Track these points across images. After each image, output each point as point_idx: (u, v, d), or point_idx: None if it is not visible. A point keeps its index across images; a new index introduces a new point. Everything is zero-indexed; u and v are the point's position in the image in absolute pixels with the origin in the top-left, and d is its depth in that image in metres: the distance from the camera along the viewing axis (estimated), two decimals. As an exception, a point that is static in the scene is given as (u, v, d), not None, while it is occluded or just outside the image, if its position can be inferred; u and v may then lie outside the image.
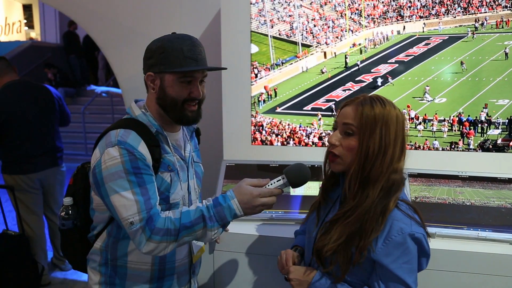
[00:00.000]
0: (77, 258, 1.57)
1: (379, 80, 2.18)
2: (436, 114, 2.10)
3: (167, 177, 1.42)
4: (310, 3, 2.24)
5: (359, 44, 2.21)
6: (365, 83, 2.20)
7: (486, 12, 2.03)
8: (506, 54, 2.00)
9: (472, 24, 2.06)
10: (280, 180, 1.30)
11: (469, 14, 2.06)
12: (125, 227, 1.30)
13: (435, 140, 2.12)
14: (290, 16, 2.27)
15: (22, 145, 3.15)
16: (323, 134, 2.26)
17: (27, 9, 13.46)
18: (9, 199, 3.19)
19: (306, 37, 2.27)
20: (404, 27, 2.16)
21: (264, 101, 2.32)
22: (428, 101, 2.12)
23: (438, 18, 2.12)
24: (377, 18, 2.18)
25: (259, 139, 2.33)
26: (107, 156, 1.31)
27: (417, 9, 2.14)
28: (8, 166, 3.20)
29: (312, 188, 2.04)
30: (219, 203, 1.30)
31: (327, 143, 1.31)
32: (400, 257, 1.17)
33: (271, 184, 1.30)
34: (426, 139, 2.12)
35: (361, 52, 2.22)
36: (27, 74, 8.76)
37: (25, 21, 13.40)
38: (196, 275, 1.62)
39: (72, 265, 1.62)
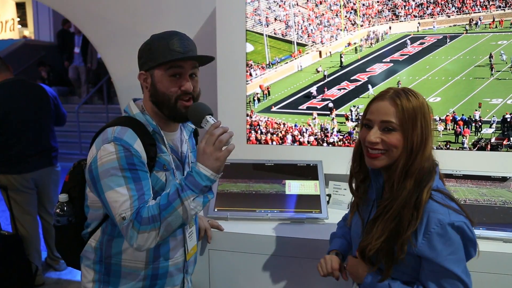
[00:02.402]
0: (72, 255, 1.57)
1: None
2: (431, 113, 2.11)
3: (162, 176, 1.42)
4: (306, 2, 2.24)
5: (354, 43, 2.22)
6: (360, 82, 2.21)
7: (480, 12, 2.05)
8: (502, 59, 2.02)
9: (467, 24, 2.07)
10: (204, 121, 1.33)
11: (463, 14, 2.07)
12: (118, 223, 1.30)
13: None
14: (285, 15, 2.28)
15: (16, 145, 3.13)
16: (318, 133, 2.26)
17: (20, 7, 13.35)
18: (2, 199, 3.17)
19: (302, 36, 2.27)
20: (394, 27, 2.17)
21: (259, 100, 2.32)
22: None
23: (432, 17, 2.13)
24: (372, 18, 2.18)
25: (254, 138, 2.33)
26: (103, 152, 1.32)
27: (412, 8, 2.15)
28: (1, 166, 3.18)
29: (306, 187, 2.04)
30: (189, 173, 1.31)
31: (364, 141, 1.27)
32: (444, 249, 1.14)
33: (206, 126, 1.32)
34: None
35: (356, 51, 2.22)
36: (21, 72, 8.69)
37: (19, 19, 13.29)
38: (190, 275, 1.62)
39: (66, 262, 1.63)
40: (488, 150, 2.06)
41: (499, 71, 2.03)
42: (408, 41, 2.17)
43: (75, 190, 1.52)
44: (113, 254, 1.44)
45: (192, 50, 1.41)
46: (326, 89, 2.25)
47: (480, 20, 2.04)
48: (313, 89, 2.26)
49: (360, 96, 2.21)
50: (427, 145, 1.20)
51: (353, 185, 1.41)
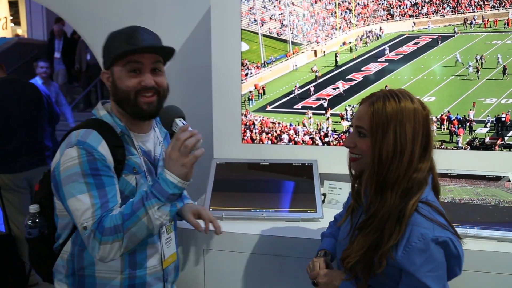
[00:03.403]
0: (46, 269, 1.48)
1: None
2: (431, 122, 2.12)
3: (132, 180, 1.35)
4: (301, 1, 2.24)
5: (350, 43, 2.22)
6: (355, 81, 2.21)
7: (474, 12, 2.05)
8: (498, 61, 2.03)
9: (461, 23, 2.08)
10: (174, 125, 1.27)
11: (458, 14, 2.08)
12: (80, 232, 1.24)
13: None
14: (280, 14, 2.27)
15: (9, 144, 3.10)
16: (314, 132, 2.26)
17: (13, 5, 13.24)
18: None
19: (297, 35, 2.27)
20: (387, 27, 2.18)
21: (254, 99, 2.31)
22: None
23: (427, 17, 2.13)
24: (367, 17, 2.19)
25: (249, 137, 2.32)
26: (66, 157, 1.26)
27: (407, 8, 2.15)
28: (-5, 165, 3.15)
29: (301, 187, 2.04)
30: (156, 180, 1.24)
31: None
32: (424, 265, 1.08)
33: (176, 130, 1.25)
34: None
35: (351, 51, 2.22)
36: (14, 71, 8.61)
37: (11, 17, 13.18)
38: (171, 283, 1.55)
39: (41, 277, 1.54)
40: (482, 150, 2.07)
41: (493, 69, 2.04)
42: (387, 48, 2.17)
43: (46, 200, 1.44)
44: (86, 266, 1.36)
45: (152, 43, 1.33)
46: (311, 91, 2.25)
47: (475, 20, 2.05)
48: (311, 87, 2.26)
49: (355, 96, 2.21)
50: (402, 156, 1.10)
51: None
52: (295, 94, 2.26)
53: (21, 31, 13.22)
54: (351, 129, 2.11)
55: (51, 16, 10.76)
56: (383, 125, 1.11)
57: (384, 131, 1.11)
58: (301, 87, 2.27)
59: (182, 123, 1.26)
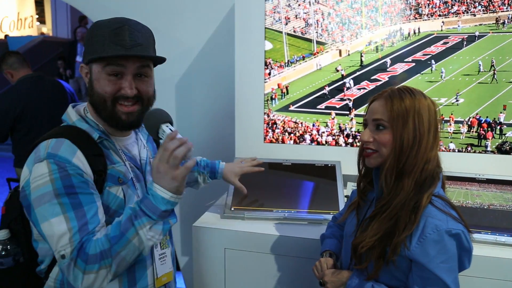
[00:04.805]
0: None
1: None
2: (451, 114, 2.06)
3: (118, 192, 1.20)
4: (326, 0, 2.21)
5: (375, 42, 2.18)
6: (381, 82, 2.17)
7: (508, 11, 1.98)
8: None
9: (493, 23, 2.01)
10: (161, 132, 1.12)
11: (489, 13, 2.01)
12: (57, 261, 1.08)
13: (451, 142, 2.07)
14: (305, 13, 2.24)
15: (34, 140, 3.14)
16: (337, 133, 2.23)
17: (39, 4, 13.55)
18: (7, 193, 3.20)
19: (321, 35, 2.24)
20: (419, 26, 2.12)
21: (277, 98, 2.29)
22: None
23: (457, 16, 2.07)
24: (394, 16, 2.14)
25: (272, 137, 2.30)
26: (35, 174, 1.10)
27: (435, 7, 2.09)
28: (20, 160, 3.22)
29: (324, 188, 2.01)
30: (145, 195, 1.10)
31: (358, 142, 1.29)
32: (437, 256, 1.11)
33: (163, 137, 1.11)
34: (440, 140, 2.07)
35: (377, 51, 2.18)
36: (39, 69, 8.81)
37: (37, 16, 13.48)
38: None
39: None
40: (512, 154, 2.00)
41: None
42: (388, 61, 2.11)
43: (16, 223, 1.25)
44: None
45: (141, 45, 1.16)
46: (345, 89, 2.21)
47: (508, 19, 1.98)
48: (348, 81, 2.21)
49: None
50: (420, 144, 1.17)
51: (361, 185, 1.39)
52: (326, 91, 2.23)
53: (46, 29, 13.51)
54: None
55: (75, 15, 10.97)
56: (403, 115, 1.17)
57: (404, 120, 1.17)
58: (325, 87, 2.23)
59: (170, 129, 1.10)
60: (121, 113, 1.18)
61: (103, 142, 1.21)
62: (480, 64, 2.02)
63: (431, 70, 2.09)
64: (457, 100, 2.06)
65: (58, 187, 1.08)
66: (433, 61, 2.09)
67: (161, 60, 1.24)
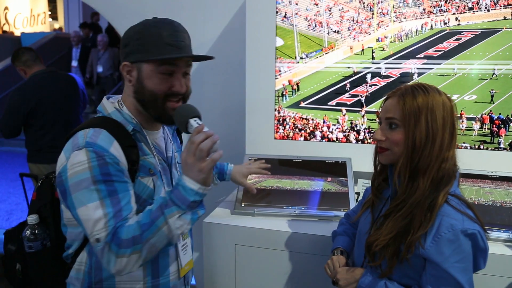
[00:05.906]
0: (54, 284, 1.36)
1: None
2: (462, 111, 2.04)
3: (149, 183, 1.26)
4: (337, -4, 2.19)
5: (387, 37, 2.16)
6: (392, 78, 2.15)
7: (522, 6, 1.95)
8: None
9: (509, 18, 1.98)
10: (189, 126, 1.17)
11: (504, 8, 1.98)
12: (92, 245, 1.14)
13: (464, 142, 2.05)
14: (316, 10, 2.23)
15: (47, 134, 3.20)
16: (348, 130, 2.22)
17: (51, 1, 13.66)
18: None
19: (333, 31, 2.23)
20: (431, 24, 2.10)
21: (287, 95, 2.29)
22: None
23: (471, 11, 2.04)
24: (406, 12, 2.12)
25: (282, 133, 2.30)
26: (73, 161, 1.15)
27: (448, 2, 2.07)
28: (33, 155, 3.26)
29: (335, 185, 2.01)
30: (175, 186, 1.14)
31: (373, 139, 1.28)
32: (452, 256, 1.11)
33: (191, 131, 1.16)
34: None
35: (388, 47, 2.16)
36: (51, 64, 8.89)
37: (50, 12, 13.60)
38: (189, 285, 1.51)
39: None
40: (526, 151, 1.98)
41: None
42: (400, 57, 2.09)
43: (46, 209, 1.35)
44: (104, 278, 1.26)
45: (187, 45, 1.25)
46: (367, 85, 2.20)
47: (523, 15, 1.95)
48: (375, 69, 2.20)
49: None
50: (434, 142, 1.15)
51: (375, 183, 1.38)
52: (345, 83, 2.21)
53: (58, 25, 13.62)
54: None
55: (87, 12, 11.04)
56: (415, 114, 1.16)
57: (417, 119, 1.16)
58: (336, 83, 2.22)
59: (197, 123, 1.15)
60: (170, 109, 1.24)
61: (136, 135, 1.27)
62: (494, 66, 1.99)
63: (444, 67, 2.07)
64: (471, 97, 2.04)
65: (95, 174, 1.13)
66: (445, 58, 2.07)
67: (200, 59, 1.33)
